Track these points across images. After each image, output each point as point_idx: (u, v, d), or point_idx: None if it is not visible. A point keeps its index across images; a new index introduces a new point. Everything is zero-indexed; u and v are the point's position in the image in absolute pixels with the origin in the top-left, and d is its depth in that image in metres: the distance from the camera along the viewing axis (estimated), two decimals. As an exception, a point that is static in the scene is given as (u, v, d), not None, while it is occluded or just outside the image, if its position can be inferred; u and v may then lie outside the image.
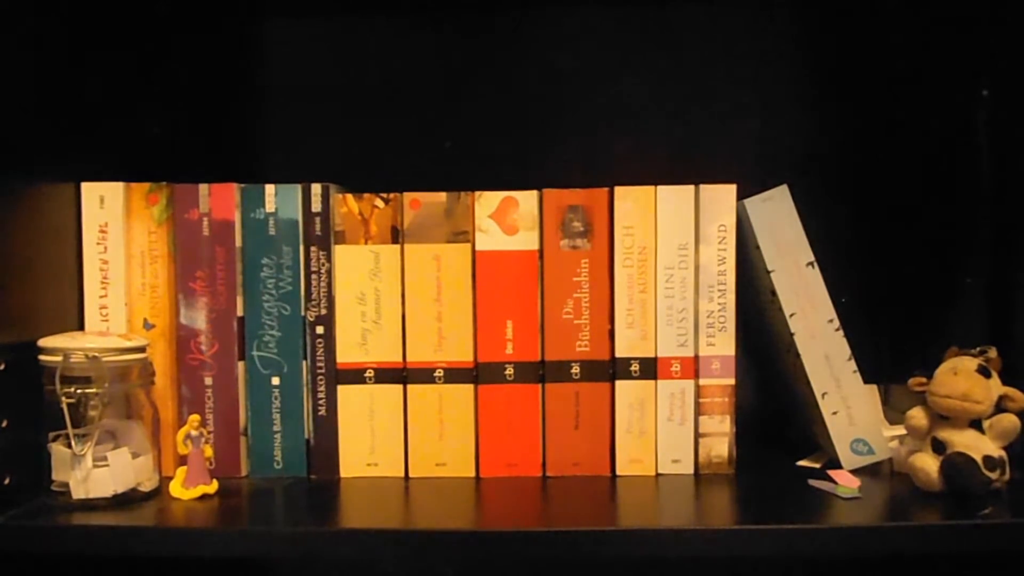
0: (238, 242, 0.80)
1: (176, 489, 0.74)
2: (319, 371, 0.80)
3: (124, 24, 0.87)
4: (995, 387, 0.72)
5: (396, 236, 0.80)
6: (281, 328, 0.80)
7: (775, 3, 0.99)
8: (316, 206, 0.80)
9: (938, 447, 0.72)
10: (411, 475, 0.80)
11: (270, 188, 0.80)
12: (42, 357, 0.71)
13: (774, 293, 0.78)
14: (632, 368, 0.79)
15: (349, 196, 0.80)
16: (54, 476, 0.71)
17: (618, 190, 0.79)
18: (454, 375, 0.80)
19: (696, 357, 0.79)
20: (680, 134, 1.00)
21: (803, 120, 1.00)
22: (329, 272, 0.80)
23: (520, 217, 0.79)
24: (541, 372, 0.80)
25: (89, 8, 0.81)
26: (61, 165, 0.78)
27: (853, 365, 0.78)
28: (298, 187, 0.80)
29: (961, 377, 0.72)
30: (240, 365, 0.80)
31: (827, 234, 0.83)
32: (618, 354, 0.79)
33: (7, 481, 0.70)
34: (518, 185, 0.79)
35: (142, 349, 0.75)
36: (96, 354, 0.71)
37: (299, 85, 1.01)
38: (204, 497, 0.74)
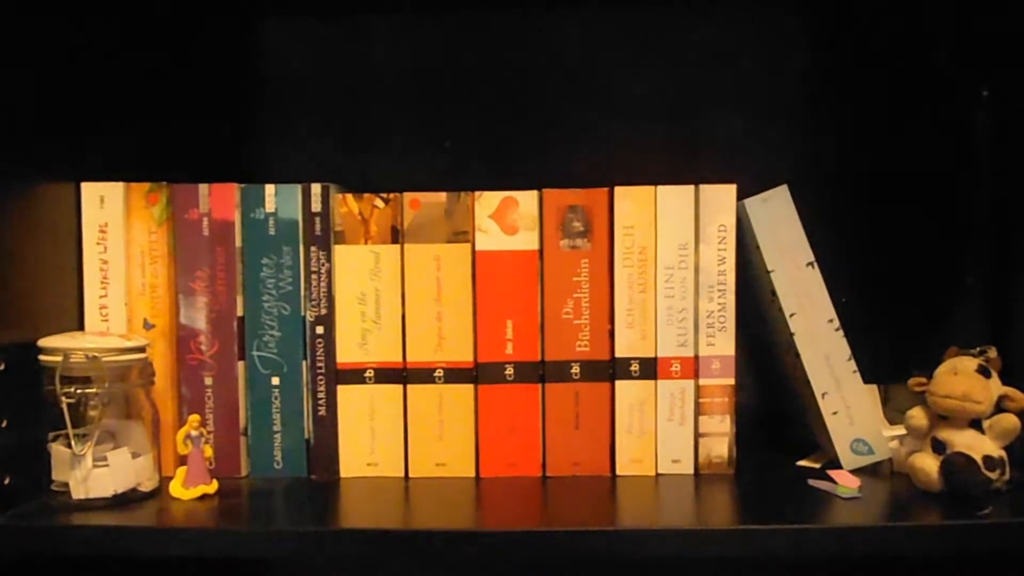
0: (238, 242, 0.80)
1: (176, 489, 0.74)
2: (319, 371, 0.80)
3: (124, 24, 0.87)
4: (995, 387, 0.72)
5: (396, 236, 0.80)
6: (281, 328, 0.80)
7: (775, 3, 0.99)
8: (316, 206, 0.80)
9: (938, 447, 0.72)
10: (411, 475, 0.80)
11: (270, 188, 0.80)
12: (42, 357, 0.71)
13: (774, 293, 0.78)
14: (632, 368, 0.79)
15: (349, 196, 0.80)
16: (54, 476, 0.71)
17: (618, 190, 0.79)
18: (454, 375, 0.80)
19: (696, 357, 0.79)
20: (680, 134, 1.00)
21: (803, 120, 1.00)
22: (329, 272, 0.80)
23: (520, 217, 0.79)
24: (541, 372, 0.80)
25: (89, 8, 0.81)
26: (61, 165, 0.78)
27: (853, 365, 0.78)
28: (298, 187, 0.80)
29: (961, 377, 0.72)
30: (240, 365, 0.80)
31: (827, 234, 0.83)
32: (618, 354, 0.79)
33: (7, 481, 0.70)
34: (518, 185, 0.79)
35: (142, 349, 0.75)
36: (96, 354, 0.71)
37: (299, 85, 1.02)
38: (204, 497, 0.74)
